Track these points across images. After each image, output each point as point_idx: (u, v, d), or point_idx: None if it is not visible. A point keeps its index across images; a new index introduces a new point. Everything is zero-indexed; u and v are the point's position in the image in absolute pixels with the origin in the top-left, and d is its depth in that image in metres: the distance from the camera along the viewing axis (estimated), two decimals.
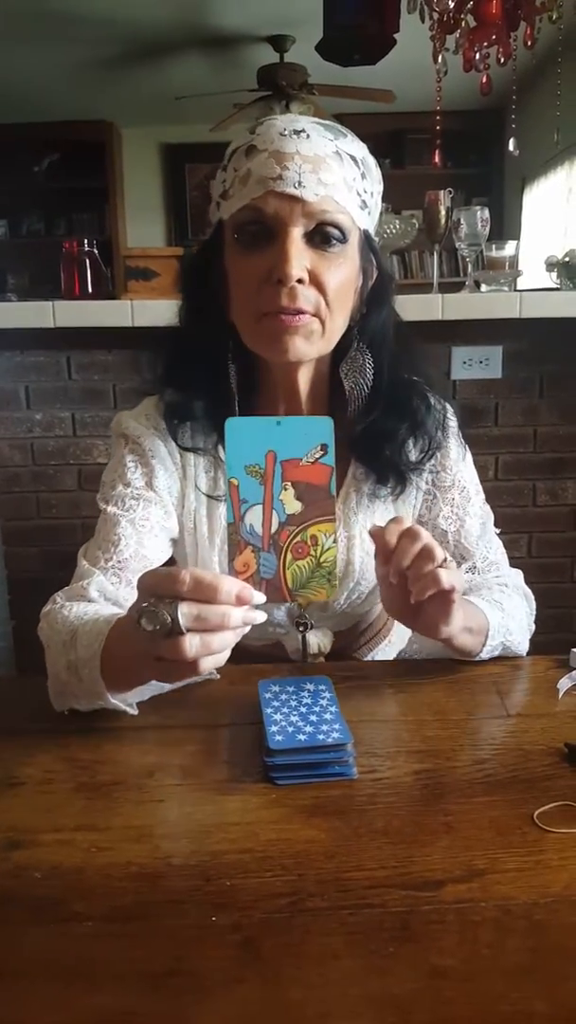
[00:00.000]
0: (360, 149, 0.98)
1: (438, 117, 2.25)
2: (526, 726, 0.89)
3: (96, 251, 2.14)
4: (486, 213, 2.09)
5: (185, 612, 0.69)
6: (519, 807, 0.74)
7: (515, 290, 2.21)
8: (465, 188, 5.55)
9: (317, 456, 0.72)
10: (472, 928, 0.60)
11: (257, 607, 0.73)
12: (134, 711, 0.88)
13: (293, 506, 0.71)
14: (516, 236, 4.88)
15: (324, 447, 0.72)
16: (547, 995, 0.54)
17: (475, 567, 1.12)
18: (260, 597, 0.72)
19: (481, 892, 0.63)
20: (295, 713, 0.84)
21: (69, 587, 1.00)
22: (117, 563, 1.01)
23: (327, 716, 0.83)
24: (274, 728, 0.81)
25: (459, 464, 1.13)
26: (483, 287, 2.16)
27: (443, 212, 2.13)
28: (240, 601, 0.70)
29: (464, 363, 2.21)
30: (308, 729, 0.81)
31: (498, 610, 0.99)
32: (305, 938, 0.59)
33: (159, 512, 1.06)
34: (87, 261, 2.10)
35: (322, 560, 0.72)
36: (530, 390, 2.31)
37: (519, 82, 2.35)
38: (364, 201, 0.97)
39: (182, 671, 0.74)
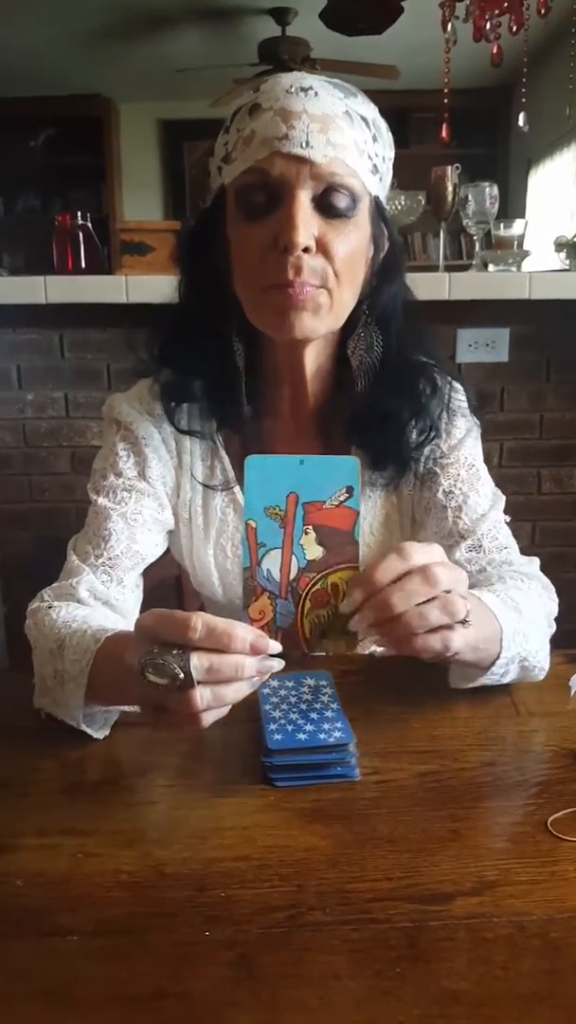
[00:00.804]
0: (371, 110, 0.91)
1: (446, 90, 2.18)
2: (537, 725, 0.85)
3: (90, 225, 2.07)
4: (495, 190, 2.03)
5: (197, 665, 0.63)
6: (531, 813, 0.70)
7: (521, 271, 2.15)
8: (469, 169, 5.45)
9: (342, 499, 0.68)
10: (484, 947, 0.56)
11: (274, 656, 0.66)
12: (98, 735, 0.83)
13: (314, 551, 0.67)
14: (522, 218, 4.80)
15: (350, 489, 0.68)
16: (565, 1023, 0.50)
17: (480, 546, 1.01)
18: (275, 646, 0.66)
19: (493, 906, 0.59)
20: (295, 711, 0.80)
21: (58, 584, 0.95)
22: (108, 560, 0.96)
23: (328, 714, 0.79)
24: (273, 726, 0.77)
25: (467, 441, 1.05)
26: (490, 267, 2.11)
27: (450, 188, 2.07)
28: (255, 651, 0.64)
29: (470, 346, 2.16)
30: (308, 728, 0.77)
31: (513, 612, 0.86)
32: (304, 956, 0.55)
33: (152, 504, 1.01)
34: (80, 235, 2.03)
35: (341, 612, 0.68)
36: (537, 375, 2.26)
37: (530, 54, 2.27)
38: (375, 165, 0.91)
39: (185, 724, 0.66)
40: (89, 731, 0.82)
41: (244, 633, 0.64)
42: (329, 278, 0.88)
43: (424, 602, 0.68)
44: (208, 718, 0.66)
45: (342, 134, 0.86)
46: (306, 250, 0.86)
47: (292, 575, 0.67)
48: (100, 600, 0.93)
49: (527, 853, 0.65)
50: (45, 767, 0.78)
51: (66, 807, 0.72)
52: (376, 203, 0.93)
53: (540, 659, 0.89)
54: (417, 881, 0.62)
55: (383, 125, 0.93)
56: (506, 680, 0.87)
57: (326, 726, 0.77)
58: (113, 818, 0.70)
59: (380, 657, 0.74)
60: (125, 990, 0.53)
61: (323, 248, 0.87)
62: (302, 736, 0.76)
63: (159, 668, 0.62)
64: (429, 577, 0.68)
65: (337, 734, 0.76)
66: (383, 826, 0.68)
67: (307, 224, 0.85)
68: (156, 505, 1.01)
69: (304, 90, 0.86)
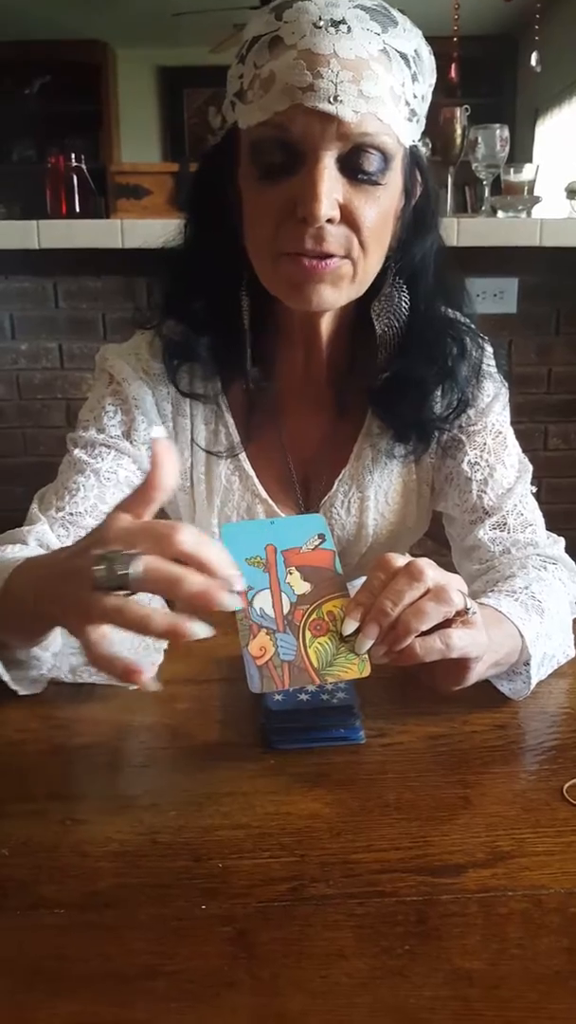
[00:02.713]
0: (412, 40, 0.79)
1: (455, 27, 2.07)
2: (550, 687, 0.81)
3: (84, 167, 1.99)
4: (505, 132, 1.95)
5: (142, 565, 0.55)
6: (546, 779, 0.67)
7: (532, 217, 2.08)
8: (475, 119, 5.34)
9: (316, 543, 0.70)
10: (499, 923, 0.52)
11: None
12: (26, 689, 0.76)
13: (302, 587, 0.67)
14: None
15: (322, 536, 0.71)
16: None
17: (505, 524, 0.94)
18: (235, 602, 0.58)
19: (507, 879, 0.56)
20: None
21: (11, 531, 0.87)
22: (69, 515, 0.88)
23: None
24: None
25: (494, 406, 0.97)
26: (499, 213, 2.03)
27: (459, 131, 1.99)
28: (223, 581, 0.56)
29: (478, 296, 2.08)
30: (311, 688, 0.73)
31: (535, 614, 0.79)
32: (306, 932, 0.52)
33: (130, 466, 0.93)
34: (75, 178, 1.95)
35: (345, 635, 0.66)
36: (545, 327, 2.20)
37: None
38: (413, 110, 0.79)
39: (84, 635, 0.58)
40: (4, 676, 0.74)
41: (227, 559, 0.57)
42: (354, 248, 0.80)
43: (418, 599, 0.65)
44: (102, 646, 0.56)
45: (377, 82, 0.74)
46: (329, 220, 0.77)
47: (285, 610, 0.67)
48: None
49: (543, 822, 0.61)
50: (33, 727, 0.74)
51: (54, 771, 0.68)
52: (411, 152, 0.83)
53: (566, 648, 0.84)
54: (426, 852, 0.58)
55: (425, 52, 0.81)
56: (543, 677, 0.81)
57: (329, 686, 0.73)
58: (104, 782, 0.67)
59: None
60: (114, 968, 0.49)
61: (348, 216, 0.78)
62: (304, 697, 0.72)
63: (106, 560, 0.56)
64: (414, 573, 0.65)
65: (341, 695, 0.72)
66: (390, 792, 0.65)
67: (331, 192, 0.76)
68: (135, 468, 0.93)
69: (335, 24, 0.73)
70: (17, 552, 0.81)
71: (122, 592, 0.56)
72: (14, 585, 0.70)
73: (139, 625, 0.55)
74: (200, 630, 0.55)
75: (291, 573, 0.68)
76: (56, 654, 0.76)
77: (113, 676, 0.57)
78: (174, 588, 0.55)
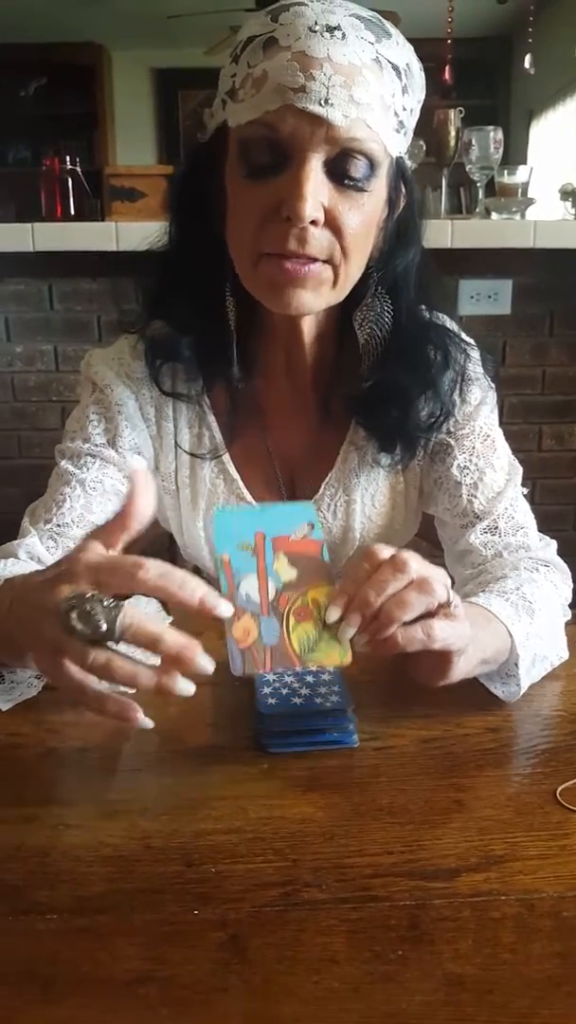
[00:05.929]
0: (405, 54, 0.79)
1: (450, 30, 2.07)
2: (543, 689, 0.81)
3: (79, 169, 1.99)
4: (499, 134, 1.95)
5: (125, 621, 0.56)
6: (539, 782, 0.67)
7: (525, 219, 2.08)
8: (469, 120, 5.34)
9: (305, 532, 0.70)
10: (492, 927, 0.52)
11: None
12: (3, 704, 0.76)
13: (288, 574, 0.68)
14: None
15: (311, 525, 0.71)
16: None
17: (496, 528, 0.93)
18: (227, 608, 0.60)
19: (500, 883, 0.56)
20: (290, 673, 0.75)
21: (3, 546, 0.89)
22: (56, 526, 0.89)
23: (325, 677, 0.75)
24: (266, 690, 0.73)
25: (482, 410, 0.96)
26: (493, 215, 2.04)
27: (453, 133, 1.99)
28: (202, 607, 0.57)
29: (472, 297, 2.09)
30: (304, 691, 0.73)
31: (526, 615, 0.79)
32: (299, 937, 0.51)
33: (116, 474, 0.93)
34: (70, 181, 1.95)
35: (329, 622, 0.66)
36: (539, 327, 2.20)
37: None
38: (402, 122, 0.80)
39: (67, 689, 0.59)
40: None
41: (195, 584, 0.57)
42: (336, 253, 0.80)
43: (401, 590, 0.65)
44: (90, 687, 0.58)
45: (368, 89, 0.75)
46: (313, 222, 0.77)
47: (271, 596, 0.67)
48: (41, 564, 0.86)
49: (536, 825, 0.61)
50: (26, 731, 0.74)
51: (47, 775, 0.68)
52: (397, 163, 0.83)
53: (558, 650, 0.84)
54: (419, 856, 0.58)
55: (416, 68, 0.81)
56: (536, 679, 0.81)
57: (323, 690, 0.73)
58: (96, 787, 0.67)
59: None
60: (106, 973, 0.49)
61: (332, 221, 0.78)
62: (297, 700, 0.72)
63: (85, 614, 0.56)
64: (398, 564, 0.65)
65: (334, 698, 0.72)
66: (383, 796, 0.65)
67: (316, 194, 0.76)
68: (121, 476, 0.93)
69: (331, 30, 0.74)
70: (9, 567, 0.81)
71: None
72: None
73: (127, 681, 0.56)
74: (186, 688, 0.57)
75: (278, 560, 0.68)
76: (39, 676, 0.76)
77: (104, 715, 0.58)
78: (153, 647, 0.56)
